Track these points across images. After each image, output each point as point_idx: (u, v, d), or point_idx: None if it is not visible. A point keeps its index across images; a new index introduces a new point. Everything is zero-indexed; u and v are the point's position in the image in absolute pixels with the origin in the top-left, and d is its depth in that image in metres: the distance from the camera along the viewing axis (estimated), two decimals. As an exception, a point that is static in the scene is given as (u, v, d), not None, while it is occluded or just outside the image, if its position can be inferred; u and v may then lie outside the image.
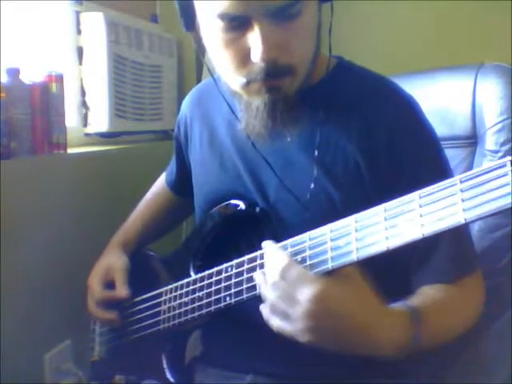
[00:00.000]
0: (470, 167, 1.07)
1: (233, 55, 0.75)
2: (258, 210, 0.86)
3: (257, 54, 0.72)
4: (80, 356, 1.28)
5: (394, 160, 0.80)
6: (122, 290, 0.99)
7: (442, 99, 1.12)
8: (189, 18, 0.79)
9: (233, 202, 0.88)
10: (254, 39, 0.71)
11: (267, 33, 0.71)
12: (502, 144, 1.02)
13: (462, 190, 0.53)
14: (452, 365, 0.86)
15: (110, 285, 1.02)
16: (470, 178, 0.52)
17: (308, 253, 0.67)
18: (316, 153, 0.81)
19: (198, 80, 1.86)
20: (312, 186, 0.81)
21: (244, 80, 0.76)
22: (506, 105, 1.02)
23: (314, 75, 0.82)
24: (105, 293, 1.01)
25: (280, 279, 0.66)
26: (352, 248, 0.62)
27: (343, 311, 0.64)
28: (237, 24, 0.72)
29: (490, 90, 1.04)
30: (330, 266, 0.64)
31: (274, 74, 0.74)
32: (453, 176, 0.56)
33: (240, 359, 0.90)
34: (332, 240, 0.64)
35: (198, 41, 0.80)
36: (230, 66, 0.77)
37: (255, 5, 0.70)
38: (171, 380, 0.93)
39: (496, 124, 1.02)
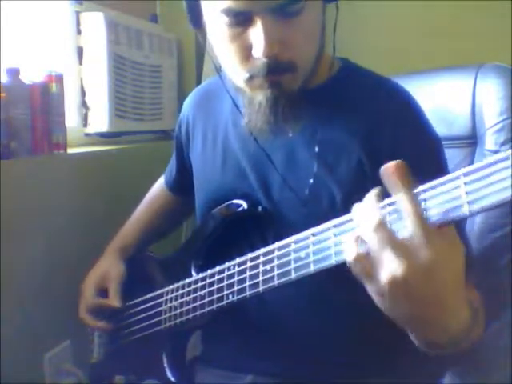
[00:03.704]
0: (469, 167, 1.06)
1: (236, 50, 0.76)
2: (260, 209, 0.86)
3: (258, 50, 0.73)
4: (80, 356, 1.28)
5: (396, 158, 0.80)
6: (114, 300, 0.99)
7: (442, 99, 1.12)
8: (195, 15, 0.81)
9: (235, 201, 0.88)
10: (256, 35, 0.73)
11: (269, 29, 0.72)
12: (502, 144, 1.01)
13: (465, 184, 0.53)
14: (451, 365, 0.86)
15: (103, 292, 1.02)
16: (473, 172, 0.53)
17: (311, 249, 0.67)
18: (317, 149, 0.82)
19: (198, 80, 1.86)
20: (311, 181, 0.82)
21: (247, 75, 0.77)
22: (506, 105, 1.01)
23: (318, 76, 0.83)
24: (97, 300, 1.01)
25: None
26: None
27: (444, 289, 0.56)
28: (240, 19, 0.73)
29: (489, 90, 1.04)
30: (333, 261, 0.64)
31: (275, 70, 0.75)
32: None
33: (240, 359, 0.90)
34: (335, 235, 0.65)
35: (204, 37, 0.82)
36: (234, 60, 0.78)
37: (258, 1, 0.71)
38: (172, 380, 0.93)
39: (496, 124, 1.02)
